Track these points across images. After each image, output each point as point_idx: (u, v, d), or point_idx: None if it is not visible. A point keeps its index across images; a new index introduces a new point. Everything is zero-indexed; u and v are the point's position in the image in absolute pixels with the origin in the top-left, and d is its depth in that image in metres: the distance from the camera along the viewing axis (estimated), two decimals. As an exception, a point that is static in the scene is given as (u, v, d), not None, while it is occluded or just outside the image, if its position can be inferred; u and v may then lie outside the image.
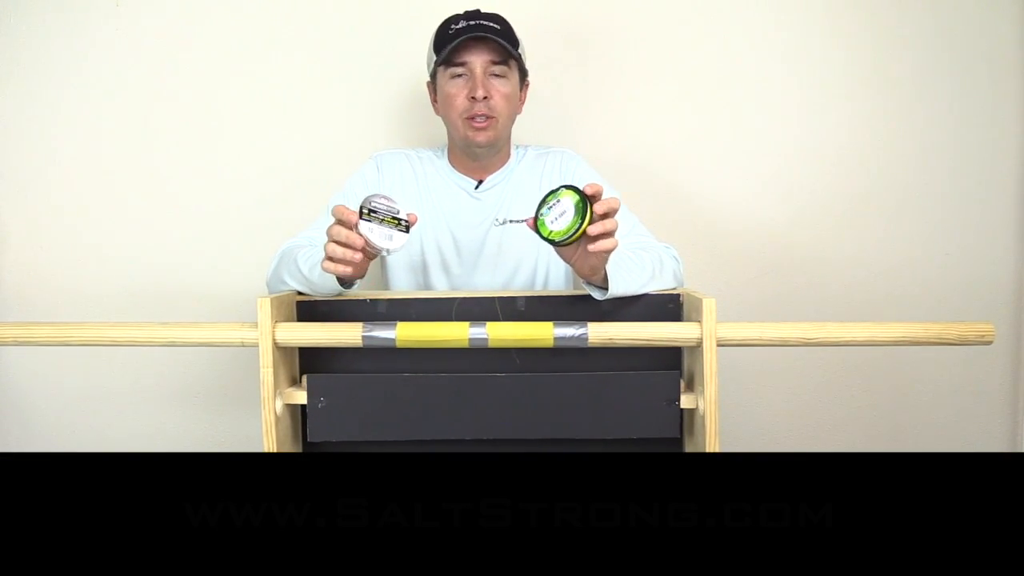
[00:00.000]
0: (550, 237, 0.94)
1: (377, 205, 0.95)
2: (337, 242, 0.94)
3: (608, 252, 0.96)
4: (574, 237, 0.92)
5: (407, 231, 0.96)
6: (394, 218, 0.95)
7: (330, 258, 0.95)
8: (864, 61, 1.61)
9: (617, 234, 0.96)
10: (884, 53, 1.61)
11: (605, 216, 0.93)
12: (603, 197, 0.94)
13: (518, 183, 1.33)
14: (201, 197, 1.62)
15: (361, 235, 0.93)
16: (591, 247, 0.94)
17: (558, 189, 0.95)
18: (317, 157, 1.61)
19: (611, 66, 1.62)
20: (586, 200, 0.92)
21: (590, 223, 0.92)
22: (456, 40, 1.20)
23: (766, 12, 1.61)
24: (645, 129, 1.63)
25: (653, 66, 1.62)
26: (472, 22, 1.22)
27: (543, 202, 0.95)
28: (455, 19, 1.24)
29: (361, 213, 0.93)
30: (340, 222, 0.95)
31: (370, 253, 0.96)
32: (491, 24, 1.22)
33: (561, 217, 0.93)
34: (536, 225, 0.95)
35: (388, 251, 0.95)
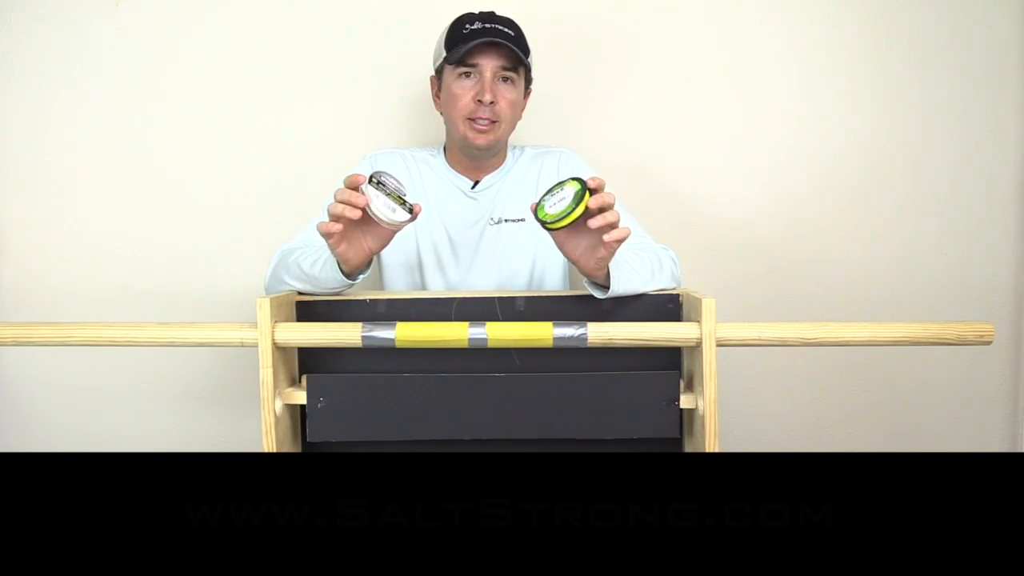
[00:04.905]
0: (543, 218, 0.95)
1: (386, 179, 0.96)
2: (340, 201, 0.94)
3: (621, 241, 0.95)
4: (563, 221, 0.93)
5: (410, 213, 0.97)
6: (400, 198, 0.96)
7: (330, 214, 0.95)
8: (864, 61, 1.61)
9: None
10: (884, 53, 1.61)
11: (600, 210, 0.93)
12: (601, 181, 0.94)
13: (514, 183, 1.33)
14: (201, 197, 1.62)
15: (365, 196, 0.94)
16: (605, 238, 0.93)
17: (565, 181, 0.96)
18: (316, 157, 1.61)
19: (611, 66, 1.62)
20: (586, 190, 0.93)
21: (584, 212, 0.93)
22: (471, 42, 1.19)
23: (766, 13, 1.61)
24: (645, 129, 1.63)
25: (653, 66, 1.62)
26: (487, 24, 1.21)
27: (549, 191, 0.97)
28: (469, 18, 1.23)
29: (369, 180, 0.94)
30: (348, 187, 0.95)
31: (385, 228, 0.96)
32: (506, 30, 1.22)
33: (560, 203, 0.94)
34: (536, 209, 0.96)
35: (390, 222, 0.96)
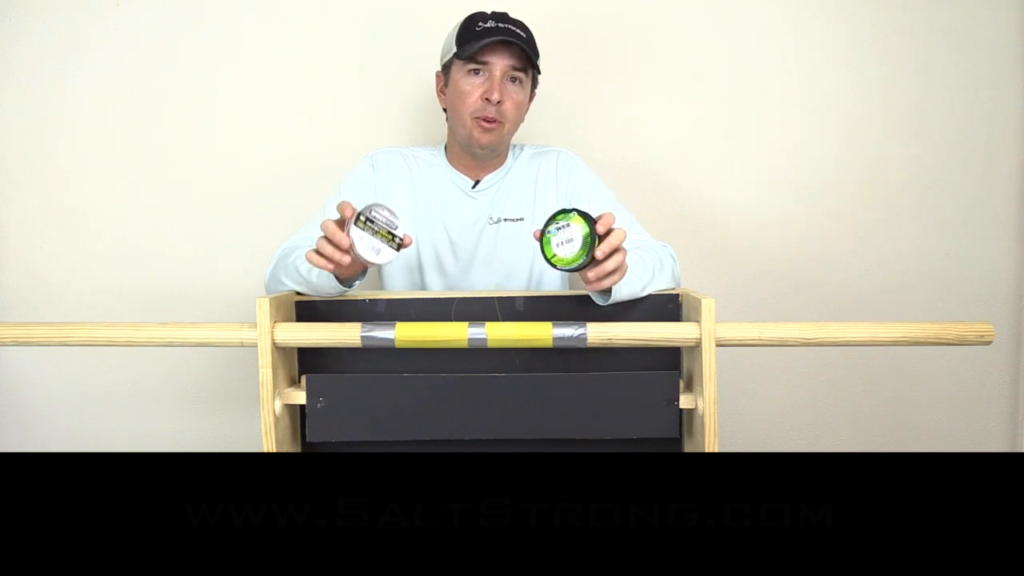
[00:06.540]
0: (552, 261, 0.94)
1: (376, 215, 0.95)
2: (327, 239, 0.95)
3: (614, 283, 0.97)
4: (571, 268, 0.94)
5: (398, 249, 0.96)
6: (390, 232, 0.96)
7: (319, 252, 0.96)
8: (864, 61, 1.61)
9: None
10: (884, 53, 1.61)
11: (609, 255, 0.94)
12: (610, 222, 0.94)
13: (514, 183, 1.33)
14: (201, 197, 1.62)
15: (349, 238, 0.94)
16: (594, 275, 0.95)
17: (571, 212, 0.94)
18: (317, 157, 1.61)
19: (611, 65, 1.62)
20: (595, 236, 0.92)
21: (592, 261, 0.93)
22: (484, 40, 1.19)
23: (766, 12, 1.61)
24: (645, 128, 1.63)
25: (653, 65, 1.62)
26: (500, 24, 1.22)
27: (552, 219, 0.95)
28: (483, 16, 1.23)
29: (358, 219, 0.94)
30: (338, 221, 0.96)
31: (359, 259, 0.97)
32: (518, 31, 1.22)
33: (568, 244, 0.94)
34: (541, 241, 0.95)
35: (372, 264, 0.96)
